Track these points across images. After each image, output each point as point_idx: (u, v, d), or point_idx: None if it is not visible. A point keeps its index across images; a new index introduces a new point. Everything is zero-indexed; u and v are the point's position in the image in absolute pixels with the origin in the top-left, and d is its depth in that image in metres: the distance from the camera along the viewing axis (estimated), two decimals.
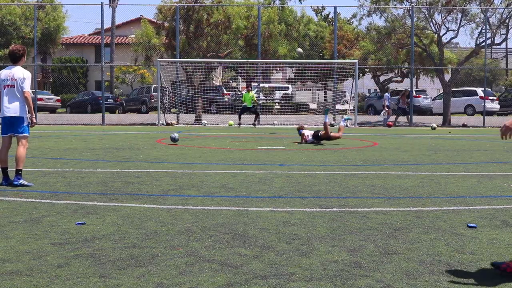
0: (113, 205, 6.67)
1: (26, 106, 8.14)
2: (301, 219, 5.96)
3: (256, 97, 26.08)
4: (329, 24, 45.96)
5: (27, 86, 8.10)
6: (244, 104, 25.34)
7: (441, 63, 28.75)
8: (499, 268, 4.14)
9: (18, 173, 7.97)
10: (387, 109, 27.64)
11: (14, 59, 8.20)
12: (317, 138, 15.25)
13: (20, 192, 7.49)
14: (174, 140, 14.94)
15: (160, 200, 6.98)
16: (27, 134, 8.22)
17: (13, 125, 8.11)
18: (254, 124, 25.34)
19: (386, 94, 28.77)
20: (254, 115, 25.72)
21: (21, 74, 8.10)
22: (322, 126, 15.71)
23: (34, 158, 11.53)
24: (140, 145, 14.70)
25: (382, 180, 8.78)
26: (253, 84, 35.64)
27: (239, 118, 25.45)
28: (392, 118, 27.82)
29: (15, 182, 7.93)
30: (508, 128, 4.24)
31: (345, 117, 16.66)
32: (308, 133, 15.57)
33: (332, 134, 15.33)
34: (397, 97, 29.57)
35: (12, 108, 8.06)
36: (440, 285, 3.92)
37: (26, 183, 7.98)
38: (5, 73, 8.17)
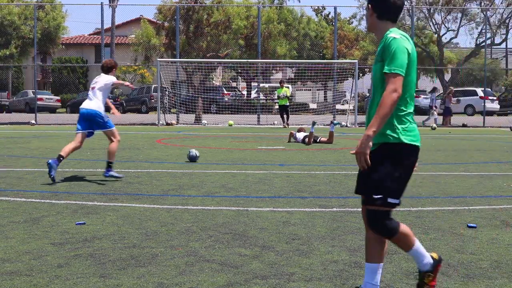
0: (113, 205, 6.67)
1: (102, 104, 8.76)
2: (301, 219, 5.96)
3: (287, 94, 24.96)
4: (329, 24, 46.04)
5: (111, 79, 8.85)
6: (278, 102, 24.65)
7: (441, 63, 28.75)
8: None
9: (109, 165, 8.74)
10: (435, 109, 27.37)
11: (106, 70, 9.04)
12: (304, 142, 15.39)
13: (20, 192, 7.49)
14: (193, 158, 11.11)
15: (160, 200, 6.98)
16: (111, 127, 8.80)
17: (91, 120, 8.71)
18: (287, 124, 24.45)
19: (433, 94, 28.40)
20: (286, 115, 24.80)
21: (106, 79, 8.87)
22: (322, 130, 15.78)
23: (34, 158, 11.54)
24: (140, 145, 14.70)
25: None
26: (253, 84, 35.58)
27: (282, 119, 24.92)
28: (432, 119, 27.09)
29: (105, 174, 8.70)
30: (362, 153, 3.37)
31: (335, 122, 16.66)
32: (300, 135, 15.71)
33: (321, 138, 15.61)
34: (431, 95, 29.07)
35: (89, 105, 8.70)
36: (440, 285, 3.92)
37: (115, 174, 8.70)
38: (95, 78, 9.05)
